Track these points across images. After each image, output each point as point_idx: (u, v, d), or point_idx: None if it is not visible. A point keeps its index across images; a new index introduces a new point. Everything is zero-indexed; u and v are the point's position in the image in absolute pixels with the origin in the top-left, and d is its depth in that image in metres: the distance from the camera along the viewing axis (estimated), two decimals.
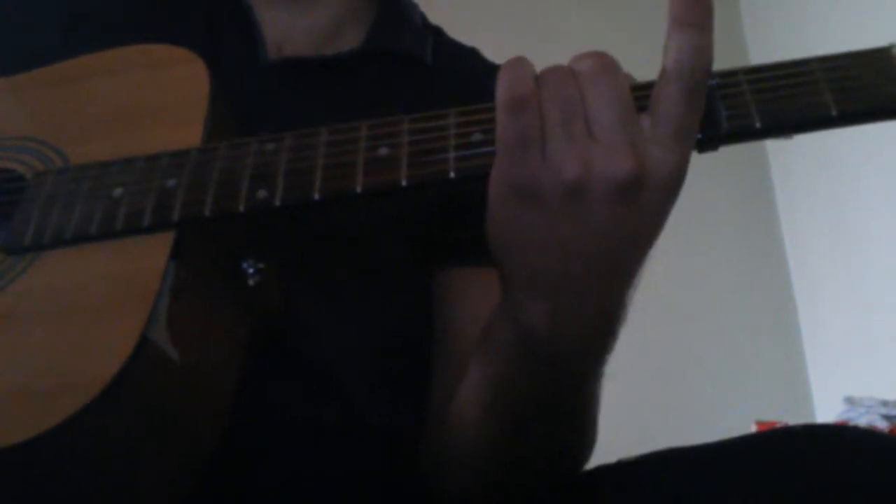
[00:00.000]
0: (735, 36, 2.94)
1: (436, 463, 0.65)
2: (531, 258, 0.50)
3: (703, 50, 0.46)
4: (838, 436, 0.54)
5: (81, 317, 0.51)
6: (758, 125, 0.50)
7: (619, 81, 0.48)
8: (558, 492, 0.62)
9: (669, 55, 0.47)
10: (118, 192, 0.55)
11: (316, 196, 0.52)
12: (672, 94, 0.47)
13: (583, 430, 0.61)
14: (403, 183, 0.51)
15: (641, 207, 0.48)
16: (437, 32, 0.83)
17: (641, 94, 0.49)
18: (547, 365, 0.53)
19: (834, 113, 0.49)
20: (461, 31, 0.86)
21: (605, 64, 0.49)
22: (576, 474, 0.63)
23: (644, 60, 0.62)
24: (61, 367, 0.50)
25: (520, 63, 0.49)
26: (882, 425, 1.90)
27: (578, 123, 0.47)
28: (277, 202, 0.52)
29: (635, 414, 2.52)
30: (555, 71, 0.49)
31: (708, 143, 0.50)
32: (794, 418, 2.20)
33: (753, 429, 2.05)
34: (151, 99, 0.62)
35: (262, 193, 0.53)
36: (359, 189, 0.51)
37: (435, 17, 0.85)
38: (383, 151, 0.52)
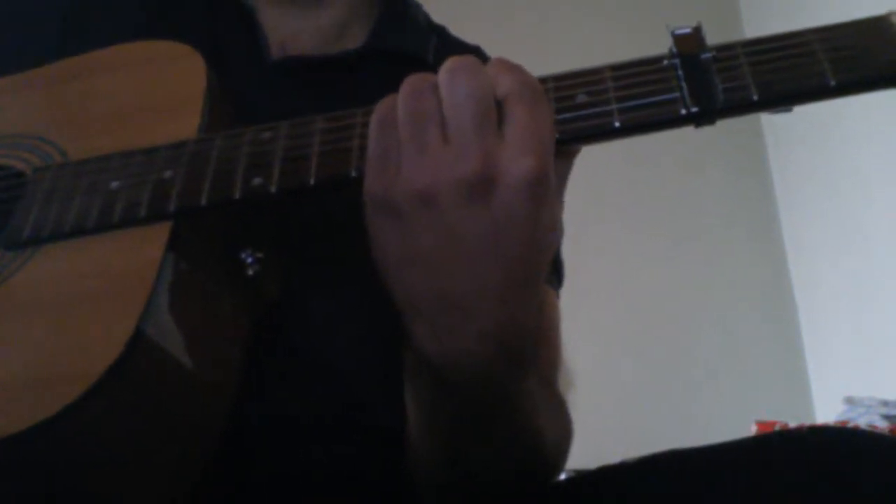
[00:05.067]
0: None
1: (409, 465, 0.65)
2: (401, 275, 0.50)
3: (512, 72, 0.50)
4: (838, 437, 0.54)
5: (78, 310, 0.51)
6: (755, 97, 0.49)
7: (474, 82, 0.49)
8: (561, 492, 0.62)
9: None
10: (115, 184, 0.55)
11: (311, 182, 0.52)
12: (511, 101, 0.48)
13: (527, 445, 0.60)
14: None
15: (497, 211, 0.47)
16: (441, 31, 0.83)
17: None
18: (454, 393, 0.53)
19: (833, 83, 0.49)
20: (464, 29, 0.86)
21: (459, 67, 0.49)
22: (566, 478, 0.63)
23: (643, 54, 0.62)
24: (57, 360, 0.50)
25: (409, 82, 0.50)
26: (882, 425, 1.90)
27: (432, 132, 0.48)
28: (273, 189, 0.52)
29: (635, 414, 2.52)
30: (411, 82, 0.50)
31: (704, 116, 0.50)
32: (794, 418, 2.20)
33: (753, 429, 2.05)
34: (150, 94, 0.62)
35: (257, 181, 0.53)
36: (354, 173, 0.52)
37: (438, 16, 0.85)
38: None
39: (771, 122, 2.75)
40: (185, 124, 0.58)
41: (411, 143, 0.48)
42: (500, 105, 0.49)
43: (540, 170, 0.47)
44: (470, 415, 0.55)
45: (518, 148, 0.47)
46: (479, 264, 0.48)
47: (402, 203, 0.48)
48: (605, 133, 0.51)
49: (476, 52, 0.83)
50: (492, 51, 0.82)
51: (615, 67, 0.52)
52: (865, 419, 1.93)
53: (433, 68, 0.76)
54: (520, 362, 0.53)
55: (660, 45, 0.53)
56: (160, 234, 0.53)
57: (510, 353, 0.51)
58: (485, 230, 0.47)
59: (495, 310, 0.49)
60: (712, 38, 0.51)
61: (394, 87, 0.75)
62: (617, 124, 0.50)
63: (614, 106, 0.50)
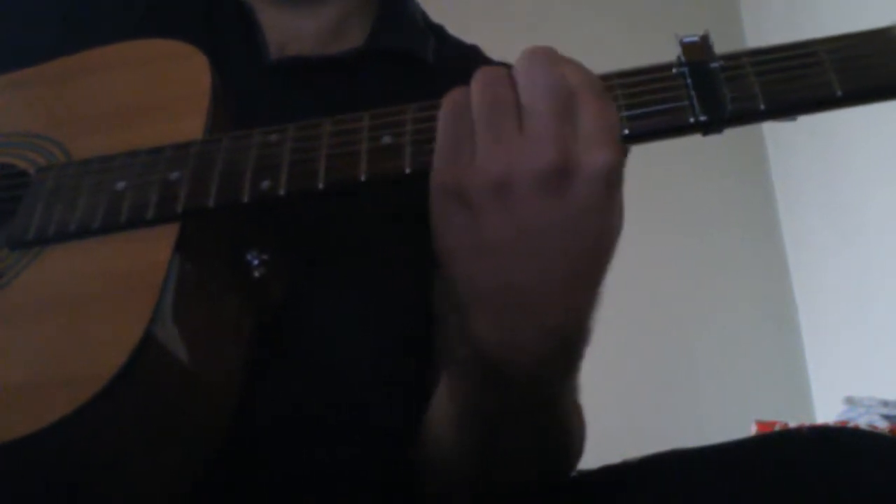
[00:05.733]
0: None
1: (420, 465, 0.65)
2: (469, 266, 0.50)
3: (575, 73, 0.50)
4: (839, 437, 0.54)
5: (85, 311, 0.51)
6: (762, 107, 0.50)
7: (554, 74, 0.49)
8: (562, 492, 0.62)
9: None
10: (121, 185, 0.55)
11: (320, 185, 0.52)
12: (583, 95, 0.49)
13: (559, 445, 0.60)
14: (407, 170, 0.51)
15: (572, 203, 0.47)
16: (439, 31, 0.83)
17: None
18: (505, 387, 0.52)
19: (839, 93, 0.49)
20: (463, 29, 0.86)
21: (538, 57, 0.49)
22: (567, 478, 0.63)
23: (644, 59, 0.62)
24: (64, 362, 0.50)
25: (484, 72, 0.50)
26: (882, 425, 1.90)
27: (508, 122, 0.48)
28: (282, 192, 0.52)
29: (635, 414, 2.52)
30: (486, 73, 0.50)
31: (712, 125, 0.50)
32: (794, 418, 2.20)
33: (753, 429, 2.05)
34: (153, 93, 0.62)
35: (265, 184, 0.53)
36: (363, 177, 0.52)
37: (436, 16, 0.85)
38: (387, 140, 0.52)
39: (771, 123, 2.74)
40: (189, 124, 0.58)
41: (487, 132, 0.48)
42: (570, 98, 0.49)
43: (615, 163, 0.47)
44: (515, 410, 0.54)
45: (593, 140, 0.47)
46: (549, 258, 0.48)
47: (474, 192, 0.48)
48: None
49: (474, 51, 0.83)
50: (492, 53, 0.82)
51: (623, 74, 0.52)
52: (865, 419, 1.93)
53: (432, 68, 0.77)
54: (574, 361, 0.53)
55: (658, 49, 0.53)
56: (167, 235, 0.53)
57: (568, 351, 0.51)
58: (557, 223, 0.47)
59: (561, 306, 0.49)
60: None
61: (393, 87, 0.75)
62: (626, 132, 0.50)
63: (623, 113, 0.51)
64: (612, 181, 0.47)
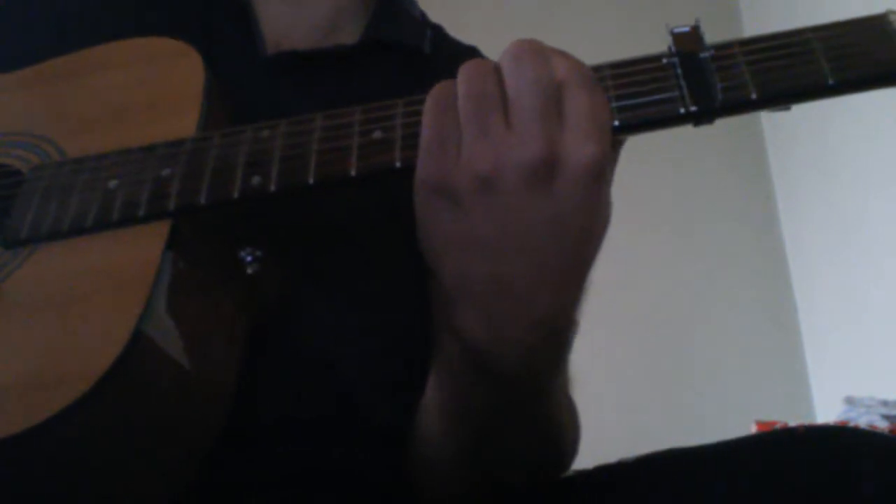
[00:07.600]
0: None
1: (412, 465, 0.65)
2: (456, 260, 0.49)
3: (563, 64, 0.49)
4: (839, 436, 0.54)
5: (77, 309, 0.51)
6: (754, 96, 0.49)
7: (540, 68, 0.48)
8: (557, 492, 0.61)
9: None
10: (114, 183, 0.55)
11: (310, 181, 0.52)
12: (571, 87, 0.48)
13: (552, 440, 0.60)
14: (398, 164, 0.51)
15: (558, 198, 0.47)
16: (438, 30, 0.83)
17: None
18: (495, 381, 0.52)
19: (831, 81, 0.49)
20: (461, 30, 0.86)
21: (525, 50, 0.49)
22: (563, 477, 0.63)
23: (643, 52, 0.62)
24: (56, 360, 0.50)
25: (469, 66, 0.50)
26: (882, 425, 1.90)
27: (494, 116, 0.48)
28: (272, 188, 0.52)
29: (635, 414, 2.52)
30: (472, 66, 0.50)
31: (703, 116, 0.50)
32: (794, 418, 2.19)
33: (753, 429, 2.05)
34: (148, 91, 0.62)
35: (256, 180, 0.53)
36: (353, 172, 0.51)
37: (435, 17, 0.85)
38: (378, 135, 0.52)
39: (771, 122, 2.75)
40: (183, 122, 0.58)
41: (473, 127, 0.48)
42: (557, 90, 0.49)
43: (602, 157, 0.47)
44: (506, 405, 0.54)
45: (580, 134, 0.47)
46: (537, 251, 0.48)
47: (461, 187, 0.48)
48: None
49: (472, 52, 0.83)
50: (487, 49, 0.82)
51: (614, 65, 0.52)
52: (865, 419, 1.93)
53: (429, 59, 0.77)
54: (563, 355, 0.53)
55: (657, 44, 0.53)
56: (159, 232, 0.53)
57: (556, 344, 0.51)
58: (544, 216, 0.47)
59: (549, 298, 0.49)
60: (712, 37, 0.51)
61: (390, 79, 0.74)
62: (616, 123, 0.50)
63: (614, 104, 0.51)
64: (599, 175, 0.47)
